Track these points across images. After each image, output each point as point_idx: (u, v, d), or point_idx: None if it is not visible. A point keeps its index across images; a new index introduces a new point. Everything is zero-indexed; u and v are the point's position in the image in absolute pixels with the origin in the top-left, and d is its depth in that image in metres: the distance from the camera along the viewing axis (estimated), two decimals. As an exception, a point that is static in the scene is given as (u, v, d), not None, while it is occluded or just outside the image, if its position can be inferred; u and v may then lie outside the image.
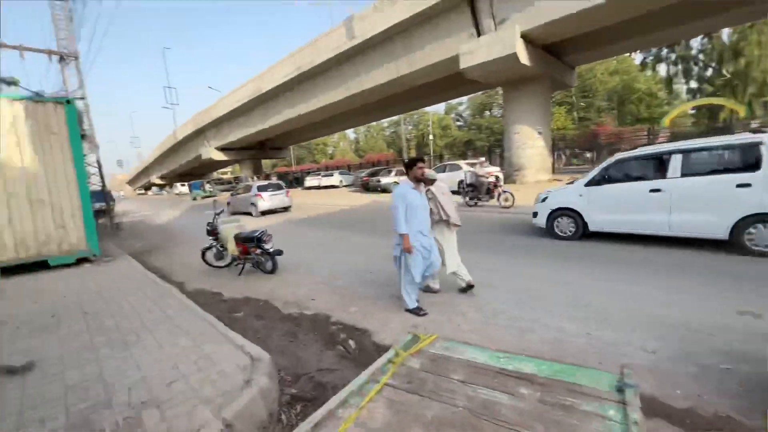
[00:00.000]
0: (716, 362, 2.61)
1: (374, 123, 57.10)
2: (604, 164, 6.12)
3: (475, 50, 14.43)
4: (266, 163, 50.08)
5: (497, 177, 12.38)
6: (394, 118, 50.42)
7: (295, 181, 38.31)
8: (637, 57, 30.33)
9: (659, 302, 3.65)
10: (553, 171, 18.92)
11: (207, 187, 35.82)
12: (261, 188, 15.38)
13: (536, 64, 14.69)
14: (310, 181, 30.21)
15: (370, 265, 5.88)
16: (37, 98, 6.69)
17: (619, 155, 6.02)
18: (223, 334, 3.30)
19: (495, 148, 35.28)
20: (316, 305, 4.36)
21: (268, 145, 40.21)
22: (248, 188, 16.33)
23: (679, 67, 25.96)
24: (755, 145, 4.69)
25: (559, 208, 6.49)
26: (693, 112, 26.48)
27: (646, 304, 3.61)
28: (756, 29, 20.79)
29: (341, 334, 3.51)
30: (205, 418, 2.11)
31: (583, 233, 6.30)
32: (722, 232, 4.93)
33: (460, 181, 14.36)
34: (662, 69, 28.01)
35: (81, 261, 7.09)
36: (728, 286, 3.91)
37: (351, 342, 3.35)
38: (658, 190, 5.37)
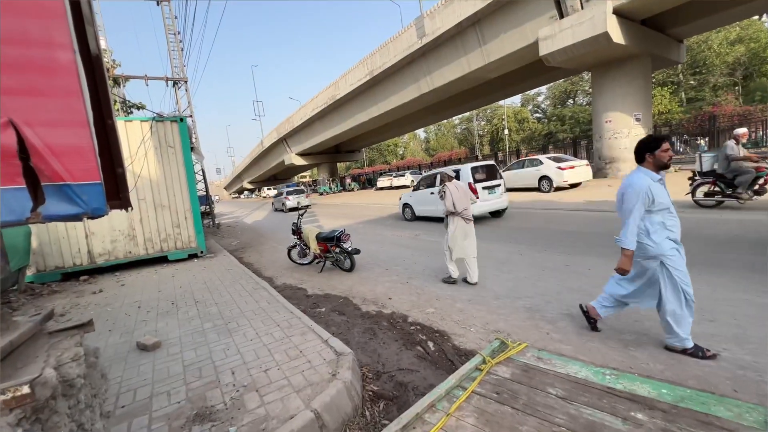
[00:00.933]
0: None
1: (445, 121, 56.17)
2: (419, 179, 10.90)
3: (557, 34, 13.25)
4: (341, 165, 52.60)
5: None
6: (466, 114, 48.95)
7: (367, 182, 39.62)
8: (771, 19, 24.93)
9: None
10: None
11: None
12: (288, 192, 22.07)
13: (633, 42, 12.93)
14: (382, 181, 30.77)
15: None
16: (159, 118, 7.94)
17: (423, 174, 11.84)
18: (310, 328, 3.51)
19: (581, 139, 31.97)
20: (393, 304, 4.40)
21: (343, 149, 42.18)
22: (281, 193, 23.19)
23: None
24: (494, 166, 9.40)
25: (405, 203, 11.32)
26: None
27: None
28: None
29: (419, 335, 3.48)
30: (296, 406, 2.26)
31: (414, 217, 11.10)
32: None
33: (541, 177, 13.36)
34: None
35: (191, 256, 8.23)
36: None
37: (430, 343, 3.30)
38: (432, 193, 9.34)
